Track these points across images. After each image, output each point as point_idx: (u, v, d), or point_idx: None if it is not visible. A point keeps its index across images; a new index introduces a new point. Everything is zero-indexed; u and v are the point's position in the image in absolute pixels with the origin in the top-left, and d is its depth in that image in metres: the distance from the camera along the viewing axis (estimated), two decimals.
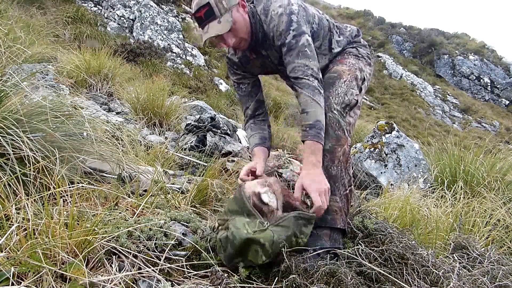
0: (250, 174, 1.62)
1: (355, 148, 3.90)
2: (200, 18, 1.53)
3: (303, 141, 1.50)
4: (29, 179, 1.37)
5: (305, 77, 1.52)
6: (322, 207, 1.41)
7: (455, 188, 2.75)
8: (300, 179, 1.46)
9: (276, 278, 1.29)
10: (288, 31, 1.55)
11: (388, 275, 1.29)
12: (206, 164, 2.86)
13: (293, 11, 1.57)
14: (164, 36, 9.69)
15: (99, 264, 1.19)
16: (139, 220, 1.45)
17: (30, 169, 1.34)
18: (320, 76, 1.58)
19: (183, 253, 1.37)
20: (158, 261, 1.26)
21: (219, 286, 1.25)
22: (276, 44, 1.61)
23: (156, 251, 1.31)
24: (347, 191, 1.59)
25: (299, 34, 1.55)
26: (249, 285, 1.28)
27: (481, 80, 21.59)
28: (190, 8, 12.16)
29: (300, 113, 1.54)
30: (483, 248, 1.79)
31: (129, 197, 1.73)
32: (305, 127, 1.50)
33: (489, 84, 21.45)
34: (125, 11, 9.87)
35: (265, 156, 1.74)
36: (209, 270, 1.33)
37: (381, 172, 3.54)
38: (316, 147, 1.47)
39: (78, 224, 1.21)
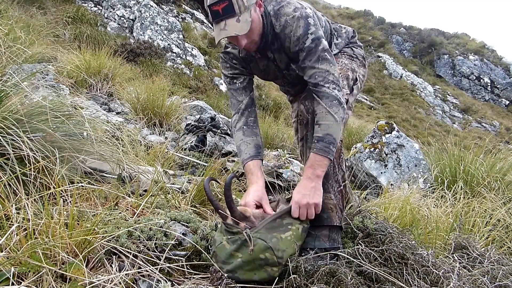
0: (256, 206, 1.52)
1: (355, 148, 3.90)
2: (217, 12, 1.41)
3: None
4: (29, 179, 1.37)
5: (325, 85, 1.46)
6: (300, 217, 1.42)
7: (455, 188, 2.75)
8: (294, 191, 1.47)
9: (277, 278, 1.29)
10: (306, 35, 1.48)
11: (388, 275, 1.29)
12: (206, 164, 2.86)
13: (309, 14, 1.51)
14: (164, 36, 9.68)
15: (99, 264, 1.19)
16: (139, 220, 1.45)
17: (30, 169, 1.34)
18: (341, 81, 1.51)
19: (183, 253, 1.37)
20: (158, 261, 1.26)
21: (219, 286, 1.25)
22: (293, 50, 1.53)
23: (156, 251, 1.31)
24: (341, 187, 1.59)
25: (317, 37, 1.49)
26: (249, 285, 1.28)
27: (481, 80, 21.59)
28: (187, 6, 12.14)
29: (314, 123, 1.48)
30: (483, 248, 1.79)
31: (129, 197, 1.73)
32: (314, 139, 1.46)
33: (489, 84, 21.44)
34: (125, 11, 9.87)
35: (262, 174, 1.63)
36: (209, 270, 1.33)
37: (381, 172, 3.54)
38: (318, 160, 1.43)
39: (78, 224, 1.21)
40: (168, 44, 9.55)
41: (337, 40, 1.82)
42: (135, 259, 1.24)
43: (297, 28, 1.50)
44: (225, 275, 1.27)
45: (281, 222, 1.40)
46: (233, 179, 1.49)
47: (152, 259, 1.27)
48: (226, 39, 1.47)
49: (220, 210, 1.37)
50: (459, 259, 1.53)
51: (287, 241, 1.34)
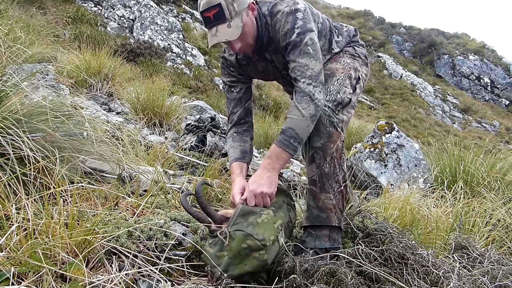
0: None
1: (355, 148, 3.90)
2: (208, 19, 1.44)
3: None
4: (29, 179, 1.37)
5: (301, 79, 1.46)
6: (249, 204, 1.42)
7: (455, 188, 2.75)
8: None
9: (277, 278, 1.29)
10: (293, 29, 1.49)
11: (388, 275, 1.29)
12: (206, 164, 2.86)
13: (299, 8, 1.51)
14: (164, 36, 9.69)
15: (99, 264, 1.19)
16: (139, 220, 1.45)
17: (30, 169, 1.34)
18: (322, 77, 1.50)
19: (183, 253, 1.37)
20: (158, 261, 1.26)
21: (219, 287, 1.25)
22: (282, 45, 1.55)
23: (156, 251, 1.31)
24: (342, 187, 1.59)
25: (303, 32, 1.48)
26: (249, 285, 1.28)
27: (481, 80, 21.58)
28: (187, 6, 12.14)
29: None
30: (483, 248, 1.79)
31: (129, 197, 1.73)
32: (280, 131, 1.48)
33: (489, 84, 21.44)
34: (125, 11, 9.87)
35: (243, 172, 1.66)
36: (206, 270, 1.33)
37: (381, 172, 3.54)
38: (276, 153, 1.44)
39: (78, 224, 1.21)
40: (168, 44, 9.56)
41: (338, 37, 1.81)
42: (135, 259, 1.24)
43: (285, 24, 1.51)
44: (225, 275, 1.28)
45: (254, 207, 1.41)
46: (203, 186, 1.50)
47: (152, 259, 1.26)
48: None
49: (201, 219, 1.37)
50: (459, 259, 1.53)
51: (263, 224, 1.34)
